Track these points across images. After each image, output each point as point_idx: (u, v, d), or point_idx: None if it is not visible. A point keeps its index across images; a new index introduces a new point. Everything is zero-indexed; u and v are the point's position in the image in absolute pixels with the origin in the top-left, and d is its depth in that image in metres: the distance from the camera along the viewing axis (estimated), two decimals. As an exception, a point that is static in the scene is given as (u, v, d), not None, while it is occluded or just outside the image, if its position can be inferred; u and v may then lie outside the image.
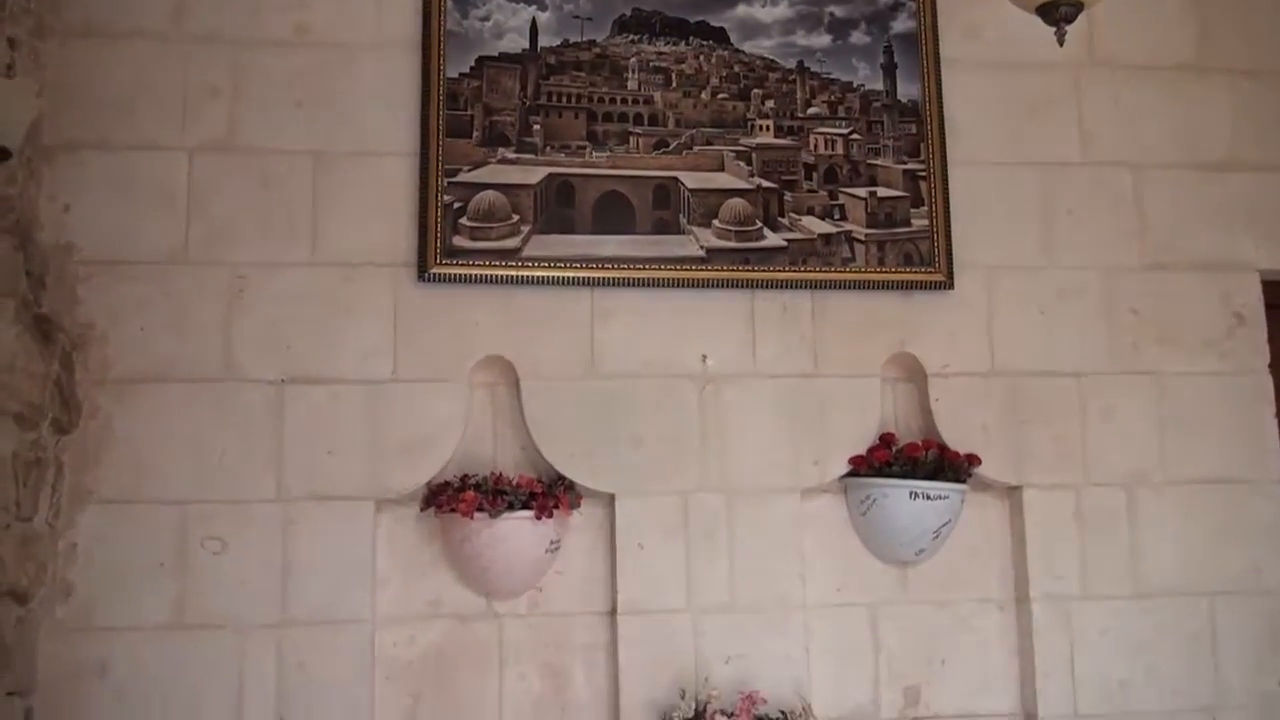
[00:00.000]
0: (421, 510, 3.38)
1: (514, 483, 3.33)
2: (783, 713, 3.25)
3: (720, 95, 3.66)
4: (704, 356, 3.52)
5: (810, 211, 3.64)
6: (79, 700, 3.13)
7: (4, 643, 2.90)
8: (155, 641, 3.18)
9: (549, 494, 3.32)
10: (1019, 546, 3.59)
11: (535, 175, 3.53)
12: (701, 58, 3.68)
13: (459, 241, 3.44)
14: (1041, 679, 3.49)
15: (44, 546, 3.12)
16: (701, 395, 3.50)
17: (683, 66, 3.66)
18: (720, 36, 3.70)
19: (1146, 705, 3.52)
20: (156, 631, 3.19)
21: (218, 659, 3.19)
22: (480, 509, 3.25)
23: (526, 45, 3.59)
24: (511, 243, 3.47)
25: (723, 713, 3.17)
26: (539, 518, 3.28)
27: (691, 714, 3.20)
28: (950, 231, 3.65)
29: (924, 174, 3.68)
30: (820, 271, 3.59)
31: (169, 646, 3.18)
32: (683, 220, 3.57)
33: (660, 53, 3.66)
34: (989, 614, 3.60)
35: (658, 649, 3.36)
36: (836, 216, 3.64)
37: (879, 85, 3.74)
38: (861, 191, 3.67)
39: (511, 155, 3.53)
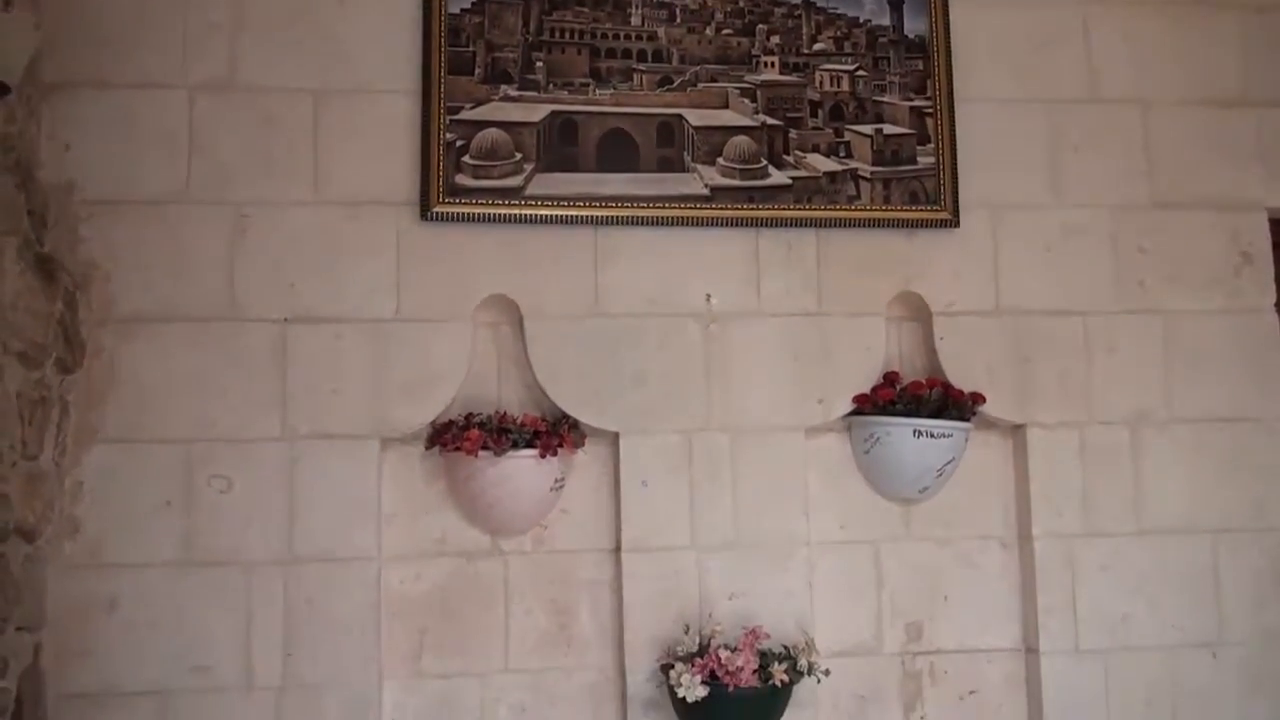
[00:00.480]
0: (426, 449, 3.39)
1: (518, 421, 3.33)
2: (785, 647, 3.27)
3: (725, 31, 3.62)
4: (708, 295, 3.51)
5: (815, 149, 3.61)
6: (88, 635, 3.16)
7: (13, 579, 2.92)
8: (163, 578, 3.20)
9: (553, 432, 3.33)
10: (1022, 484, 3.61)
11: (538, 113, 3.50)
12: (706, -8, 3.64)
13: (461, 180, 3.42)
14: (1043, 614, 3.51)
15: (50, 485, 3.14)
16: (706, 334, 3.50)
17: (687, 1, 3.62)
18: (725, -30, 3.66)
19: (1147, 640, 3.55)
20: (164, 568, 3.21)
21: (225, 595, 3.22)
22: (485, 447, 3.25)
23: (529, -21, 3.56)
24: (514, 181, 3.45)
25: (726, 647, 3.19)
26: (543, 456, 3.29)
27: (695, 649, 3.23)
28: (956, 169, 3.62)
29: (930, 111, 3.65)
30: (825, 210, 3.57)
31: (177, 583, 3.21)
32: (687, 158, 3.55)
33: (664, -13, 3.62)
34: (991, 551, 3.62)
35: (662, 585, 3.39)
36: (842, 154, 3.62)
37: (885, 20, 3.69)
38: (867, 129, 3.64)
39: (514, 92, 3.50)
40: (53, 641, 3.13)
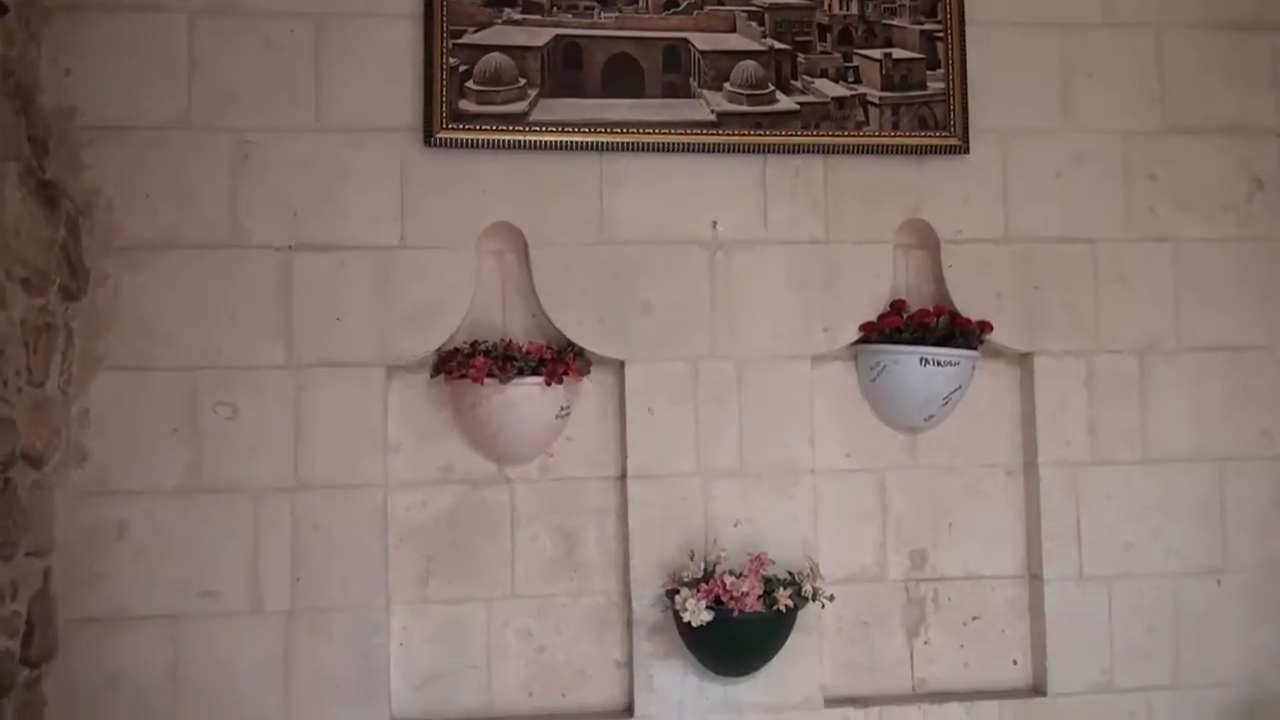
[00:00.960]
0: (432, 377, 3.39)
1: (524, 349, 3.33)
2: (790, 574, 3.29)
3: (732, -47, 3.56)
4: (714, 223, 3.49)
5: (824, 74, 3.56)
6: (97, 560, 3.18)
7: (20, 505, 2.94)
8: (171, 504, 3.22)
9: (558, 360, 3.32)
10: (1029, 413, 3.60)
11: (542, 37, 3.45)
12: (712, -87, 3.56)
13: (465, 105, 3.38)
14: (1048, 542, 3.53)
15: (57, 412, 3.14)
16: (711, 262, 3.47)
17: (693, -78, 3.55)
18: (732, -112, 3.58)
19: (1151, 568, 3.56)
20: (172, 495, 3.23)
21: (233, 521, 3.24)
22: (490, 375, 3.25)
23: (532, -102, 3.49)
24: (518, 106, 3.41)
25: (731, 573, 3.20)
26: (549, 384, 3.28)
27: (700, 574, 3.24)
28: (966, 94, 3.56)
29: (941, 35, 3.59)
30: (833, 136, 3.52)
31: (185, 509, 3.22)
32: (693, 83, 3.50)
33: (670, -93, 3.55)
34: (997, 479, 3.63)
35: (667, 512, 3.40)
36: (850, 79, 3.57)
37: (895, -58, 3.63)
38: (876, 53, 3.58)
39: (517, 16, 3.44)
40: (62, 567, 3.15)
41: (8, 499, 2.87)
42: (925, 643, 3.58)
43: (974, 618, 3.59)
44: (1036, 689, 3.55)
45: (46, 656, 3.08)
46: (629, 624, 3.40)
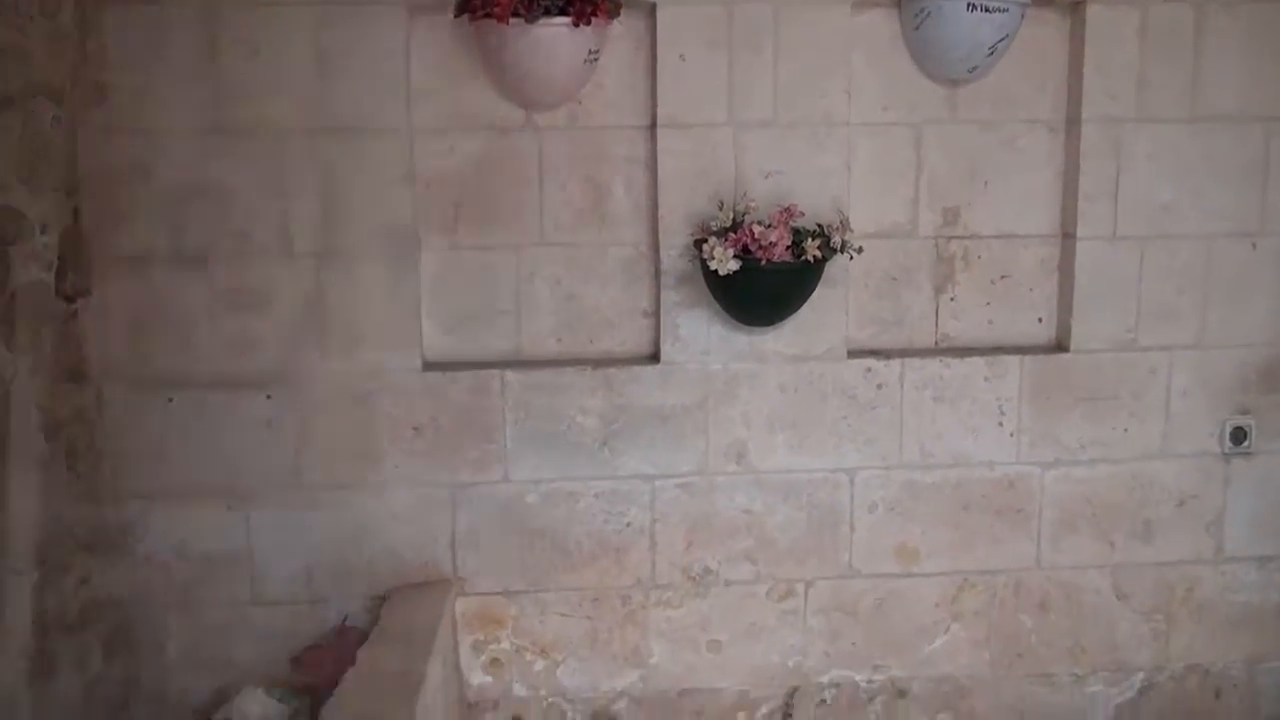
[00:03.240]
0: (455, 17, 3.25)
1: (551, -12, 3.19)
2: (819, 225, 3.25)
3: None
4: None
5: None
6: (125, 200, 3.18)
7: (43, 138, 2.90)
8: (195, 145, 3.18)
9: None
10: (1076, 66, 3.44)
11: None
12: None
13: None
14: (1084, 200, 3.46)
15: (72, 46, 3.05)
16: (751, -105, 3.26)
17: None
18: None
19: (1186, 229, 3.50)
20: (196, 134, 3.18)
21: (258, 163, 3.20)
22: (516, 14, 3.11)
23: None
24: None
25: (759, 224, 3.17)
26: (577, 24, 3.15)
27: (729, 224, 3.22)
28: None
29: None
30: None
31: (209, 150, 3.19)
32: None
33: None
34: (1038, 135, 3.52)
35: (697, 162, 3.33)
36: None
37: None
38: None
39: None
40: (91, 206, 3.16)
41: (30, 131, 2.84)
42: (952, 299, 3.58)
43: (1002, 276, 3.57)
44: (1059, 345, 3.58)
45: (82, 292, 3.13)
46: (656, 274, 3.41)
